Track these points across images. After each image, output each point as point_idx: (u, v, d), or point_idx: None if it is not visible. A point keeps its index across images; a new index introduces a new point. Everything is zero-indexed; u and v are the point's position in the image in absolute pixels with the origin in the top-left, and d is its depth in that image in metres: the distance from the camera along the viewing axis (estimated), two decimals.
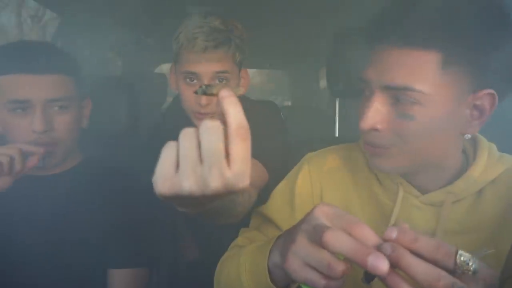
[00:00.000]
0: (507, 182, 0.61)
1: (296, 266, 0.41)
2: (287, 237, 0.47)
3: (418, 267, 0.35)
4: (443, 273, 0.35)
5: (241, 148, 0.34)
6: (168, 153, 0.36)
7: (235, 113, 0.35)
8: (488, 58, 0.53)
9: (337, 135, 1.44)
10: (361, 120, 0.56)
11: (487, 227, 0.59)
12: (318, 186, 0.73)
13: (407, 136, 0.55)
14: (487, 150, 0.63)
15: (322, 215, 0.42)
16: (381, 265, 0.35)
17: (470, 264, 0.36)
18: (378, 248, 0.37)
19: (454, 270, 0.36)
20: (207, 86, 0.40)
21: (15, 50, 0.82)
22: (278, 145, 0.98)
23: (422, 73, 0.53)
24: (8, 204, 0.81)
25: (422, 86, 0.53)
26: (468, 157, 0.64)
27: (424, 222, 0.63)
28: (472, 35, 0.52)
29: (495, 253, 0.52)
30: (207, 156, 0.34)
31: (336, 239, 0.37)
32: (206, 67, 0.88)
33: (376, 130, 0.57)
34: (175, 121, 1.09)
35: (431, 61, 0.52)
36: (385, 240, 0.38)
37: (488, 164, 0.62)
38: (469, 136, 0.59)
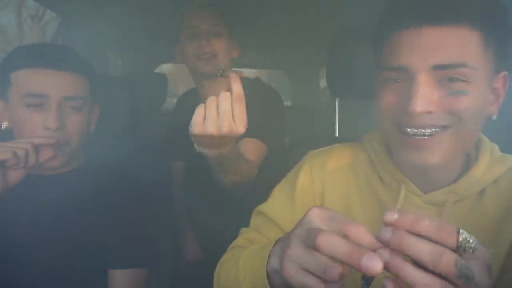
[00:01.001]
0: (509, 183, 0.60)
1: (292, 272, 0.41)
2: (284, 243, 0.46)
3: (420, 246, 0.35)
4: (446, 250, 0.35)
5: (238, 108, 0.64)
6: (199, 110, 0.66)
7: (236, 87, 0.64)
8: (511, 41, 0.55)
9: (337, 135, 1.43)
10: (411, 104, 0.53)
11: (488, 227, 0.59)
12: (319, 185, 0.73)
13: (463, 112, 0.54)
14: (489, 151, 0.63)
15: (316, 218, 0.41)
16: (375, 265, 0.34)
17: (471, 241, 0.36)
18: (377, 236, 0.37)
19: (457, 249, 0.36)
20: (223, 71, 0.69)
21: (37, 47, 0.85)
22: (277, 124, 1.18)
23: (471, 50, 0.53)
24: (9, 203, 0.81)
25: (473, 62, 0.53)
26: (470, 157, 0.64)
27: None
28: (506, 16, 0.54)
29: (494, 253, 0.54)
30: (221, 113, 0.64)
31: (329, 242, 0.37)
32: (201, 22, 1.17)
33: (429, 112, 0.54)
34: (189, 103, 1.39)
35: (475, 38, 0.53)
36: (386, 224, 0.38)
37: (490, 164, 0.62)
38: (495, 117, 0.60)
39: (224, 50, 1.18)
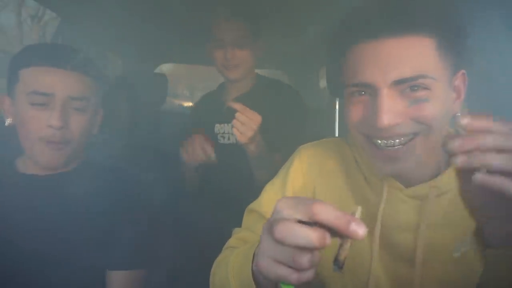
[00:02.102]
0: None
1: (265, 265, 0.41)
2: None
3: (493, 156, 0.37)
4: None
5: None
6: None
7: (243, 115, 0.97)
8: (465, 40, 0.58)
9: (337, 135, 1.44)
10: (377, 119, 0.55)
11: (466, 218, 0.59)
12: (310, 177, 0.74)
13: (428, 118, 0.56)
14: None
15: (284, 207, 0.41)
16: (360, 230, 0.38)
17: None
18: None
19: None
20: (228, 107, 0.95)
21: (47, 46, 0.86)
22: (296, 122, 1.30)
23: (428, 59, 0.55)
24: (8, 203, 0.81)
25: (432, 70, 0.55)
26: None
27: (408, 216, 0.64)
28: (456, 19, 0.56)
29: (477, 243, 0.55)
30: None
31: (286, 232, 0.38)
32: (226, 33, 1.25)
33: (396, 124, 0.56)
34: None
35: (430, 45, 0.55)
36: (458, 127, 0.40)
37: None
38: (459, 114, 0.60)
39: (247, 58, 1.26)
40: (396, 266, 0.66)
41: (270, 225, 0.41)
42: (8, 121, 0.84)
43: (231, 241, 0.75)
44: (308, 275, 0.40)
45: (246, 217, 0.79)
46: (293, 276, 0.40)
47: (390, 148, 0.58)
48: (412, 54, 0.55)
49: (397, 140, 0.57)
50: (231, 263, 0.59)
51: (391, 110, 0.55)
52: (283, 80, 1.47)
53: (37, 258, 0.81)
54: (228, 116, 1.27)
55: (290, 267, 0.40)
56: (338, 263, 0.40)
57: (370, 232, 0.67)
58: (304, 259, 0.39)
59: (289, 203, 0.41)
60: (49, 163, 0.81)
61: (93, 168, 0.92)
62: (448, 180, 0.62)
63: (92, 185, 0.87)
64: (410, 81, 0.54)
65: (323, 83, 2.66)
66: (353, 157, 0.73)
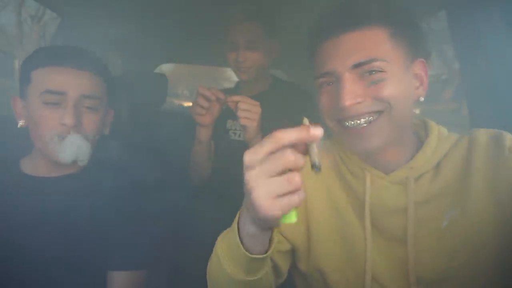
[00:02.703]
0: (456, 155, 0.70)
1: (267, 204, 0.46)
2: (244, 204, 0.54)
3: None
4: None
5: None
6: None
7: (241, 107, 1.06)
8: (416, 30, 0.68)
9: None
10: (340, 100, 0.64)
11: (449, 193, 0.68)
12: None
13: (385, 95, 0.64)
14: (437, 130, 0.73)
15: (254, 152, 0.47)
16: (318, 130, 0.46)
17: None
18: None
19: None
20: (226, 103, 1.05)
21: (58, 47, 0.87)
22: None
23: (380, 46, 0.65)
24: (13, 204, 0.81)
25: (384, 55, 0.64)
26: (422, 139, 0.74)
27: (394, 200, 0.70)
28: (407, 12, 0.67)
29: (462, 212, 0.65)
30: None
31: (274, 162, 0.46)
32: (239, 36, 1.25)
33: (358, 103, 0.64)
34: None
35: (383, 35, 0.65)
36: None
37: (439, 141, 0.72)
38: (422, 99, 0.70)
39: (260, 60, 1.28)
40: (391, 247, 0.71)
41: (255, 173, 0.46)
42: (20, 123, 0.84)
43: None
44: (302, 195, 0.47)
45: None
46: (295, 197, 0.46)
47: (357, 126, 0.66)
48: (366, 43, 0.64)
49: (363, 120, 0.65)
50: (218, 245, 0.65)
51: (352, 91, 0.64)
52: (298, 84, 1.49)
53: (40, 259, 0.81)
54: None
55: (287, 194, 0.46)
56: (315, 166, 0.48)
57: (361, 220, 0.73)
58: (297, 177, 0.46)
59: (253, 150, 0.47)
60: (66, 159, 0.81)
61: (96, 169, 0.92)
62: (423, 161, 0.70)
63: (94, 187, 0.87)
64: (365, 64, 0.64)
65: None
66: (338, 153, 0.79)
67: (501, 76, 0.98)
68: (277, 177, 0.46)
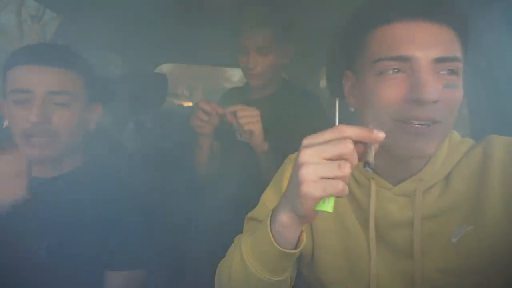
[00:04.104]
0: (468, 166, 0.64)
1: (313, 182, 0.47)
2: (288, 188, 0.54)
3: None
4: None
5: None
6: None
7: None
8: (470, 37, 0.61)
9: None
10: (419, 92, 0.54)
11: (459, 207, 0.62)
12: None
13: (455, 105, 0.58)
14: (448, 137, 0.67)
15: (307, 140, 0.49)
16: (381, 134, 0.48)
17: None
18: None
19: None
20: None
21: (32, 46, 0.87)
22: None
23: (457, 46, 0.58)
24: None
25: (460, 57, 0.58)
26: None
27: (400, 213, 0.65)
28: (468, 17, 0.60)
29: (475, 229, 0.59)
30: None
31: (333, 147, 0.47)
32: (251, 41, 1.23)
33: (435, 102, 0.55)
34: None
35: (455, 37, 0.59)
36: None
37: (450, 148, 0.66)
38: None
39: (270, 66, 1.25)
40: (396, 260, 0.67)
41: (310, 151, 0.48)
42: (5, 123, 0.86)
43: (232, 248, 0.75)
44: (347, 189, 0.47)
45: (246, 225, 0.80)
46: (340, 185, 0.46)
47: (419, 126, 0.57)
48: (445, 38, 0.57)
49: (427, 121, 0.57)
50: (243, 244, 0.61)
51: (434, 86, 0.55)
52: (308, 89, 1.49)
53: (37, 259, 0.81)
54: None
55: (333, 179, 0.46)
56: (369, 164, 0.49)
57: (366, 232, 0.68)
58: (348, 167, 0.46)
59: (314, 135, 0.49)
60: (38, 155, 0.81)
61: (92, 170, 0.91)
62: (432, 172, 0.64)
63: (91, 187, 0.87)
64: (449, 61, 0.56)
65: (323, 83, 2.66)
66: None
67: (501, 75, 0.98)
68: (330, 161, 0.47)
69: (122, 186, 0.92)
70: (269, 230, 0.56)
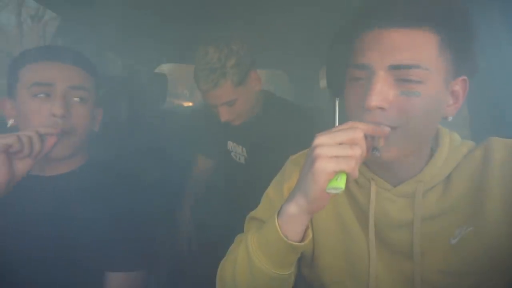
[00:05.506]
0: (469, 168, 0.64)
1: (327, 159, 0.51)
2: (300, 181, 0.56)
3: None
4: None
5: None
6: None
7: None
8: (470, 44, 0.59)
9: None
10: (366, 100, 0.56)
11: (459, 208, 0.63)
12: None
13: (412, 113, 0.57)
14: (449, 138, 0.67)
15: (322, 133, 0.54)
16: (386, 128, 0.56)
17: None
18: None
19: None
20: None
21: (43, 46, 0.88)
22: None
23: (426, 52, 0.56)
24: (11, 203, 0.81)
25: (427, 64, 0.56)
26: (433, 148, 0.67)
27: (400, 214, 0.65)
28: (463, 21, 0.57)
29: (475, 230, 0.60)
30: None
31: (348, 131, 0.54)
32: (214, 100, 1.15)
33: (382, 108, 0.57)
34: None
35: (432, 41, 0.56)
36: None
37: (450, 151, 0.65)
38: (451, 118, 0.63)
39: (244, 106, 1.18)
40: (396, 261, 0.67)
41: (325, 137, 0.53)
42: (10, 123, 0.85)
43: (234, 246, 0.75)
44: (357, 170, 0.52)
45: (248, 224, 0.80)
46: (352, 161, 0.51)
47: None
48: (412, 45, 0.56)
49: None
50: (249, 238, 0.62)
51: (382, 93, 0.56)
52: (282, 79, 1.48)
53: (37, 259, 0.81)
54: (239, 137, 1.34)
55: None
56: (377, 149, 0.57)
57: (366, 233, 0.68)
58: (358, 149, 0.52)
59: (328, 130, 0.54)
60: (55, 154, 0.81)
61: (94, 169, 0.92)
62: (432, 174, 0.64)
63: (93, 187, 0.87)
64: (405, 68, 0.56)
65: (323, 83, 2.66)
66: None
67: (501, 76, 0.98)
68: (342, 144, 0.52)
69: (123, 186, 0.92)
70: (277, 223, 0.58)
